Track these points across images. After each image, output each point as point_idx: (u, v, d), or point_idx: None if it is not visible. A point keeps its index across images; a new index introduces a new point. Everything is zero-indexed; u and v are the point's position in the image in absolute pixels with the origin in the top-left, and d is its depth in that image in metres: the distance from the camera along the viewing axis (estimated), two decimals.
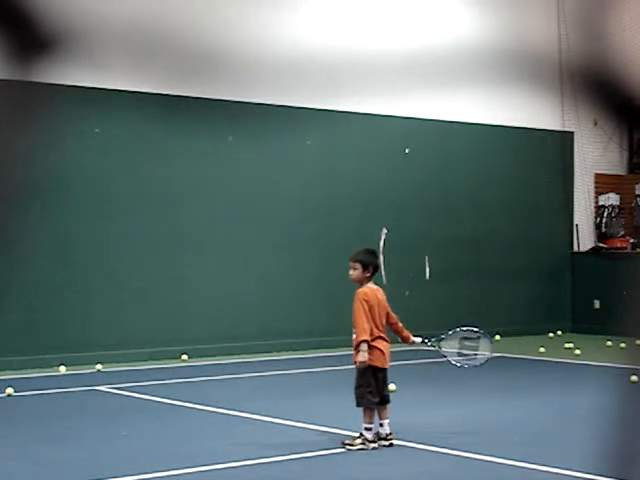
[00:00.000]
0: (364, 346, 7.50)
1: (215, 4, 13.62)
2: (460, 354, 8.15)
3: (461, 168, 16.32)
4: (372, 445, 7.54)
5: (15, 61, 1.85)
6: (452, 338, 8.18)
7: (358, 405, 7.64)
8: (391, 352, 7.74)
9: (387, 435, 7.64)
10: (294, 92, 14.32)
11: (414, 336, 7.95)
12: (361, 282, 7.73)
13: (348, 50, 14.61)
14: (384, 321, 7.73)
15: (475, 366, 8.15)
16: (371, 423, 7.57)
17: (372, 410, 7.59)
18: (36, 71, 1.87)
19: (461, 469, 7.07)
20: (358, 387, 7.63)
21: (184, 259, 13.57)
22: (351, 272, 7.75)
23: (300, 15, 14.48)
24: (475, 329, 8.24)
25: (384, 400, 7.67)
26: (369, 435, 7.57)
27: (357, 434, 7.66)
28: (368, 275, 7.70)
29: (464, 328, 8.21)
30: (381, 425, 7.64)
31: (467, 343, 8.23)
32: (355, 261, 7.73)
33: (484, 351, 8.16)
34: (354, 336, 7.65)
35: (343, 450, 7.50)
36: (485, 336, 8.20)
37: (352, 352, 7.78)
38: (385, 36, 15.10)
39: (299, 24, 14.41)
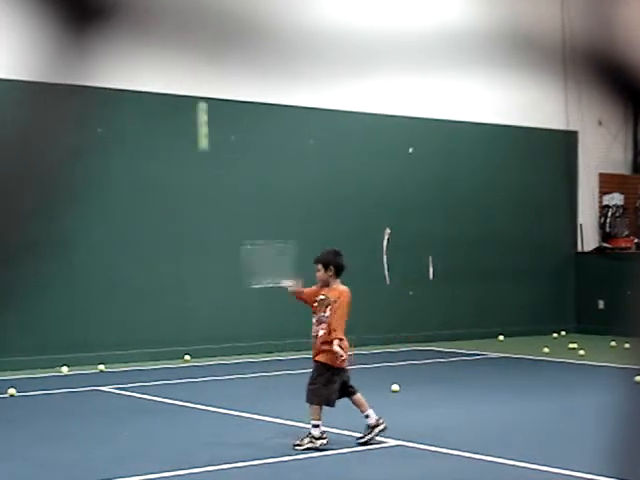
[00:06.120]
0: (345, 343, 7.50)
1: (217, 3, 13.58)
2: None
3: (464, 168, 16.27)
4: (320, 442, 7.49)
5: (66, 32, 1.82)
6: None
7: (308, 401, 7.53)
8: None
9: (377, 420, 7.60)
10: (297, 91, 14.29)
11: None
12: (327, 282, 7.70)
13: (351, 49, 14.57)
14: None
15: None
16: (319, 420, 7.52)
17: (320, 407, 7.52)
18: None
19: (464, 469, 7.03)
20: (312, 384, 7.54)
21: (186, 259, 13.55)
22: (317, 273, 7.74)
23: (301, 13, 14.43)
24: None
25: (352, 392, 7.63)
26: (316, 432, 7.52)
27: (359, 434, 7.63)
28: (331, 274, 7.68)
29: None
30: (367, 416, 7.60)
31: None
32: (316, 262, 7.75)
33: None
34: (321, 332, 7.54)
35: (344, 450, 7.46)
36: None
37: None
38: (387, 35, 15.05)
39: (301, 23, 14.35)
